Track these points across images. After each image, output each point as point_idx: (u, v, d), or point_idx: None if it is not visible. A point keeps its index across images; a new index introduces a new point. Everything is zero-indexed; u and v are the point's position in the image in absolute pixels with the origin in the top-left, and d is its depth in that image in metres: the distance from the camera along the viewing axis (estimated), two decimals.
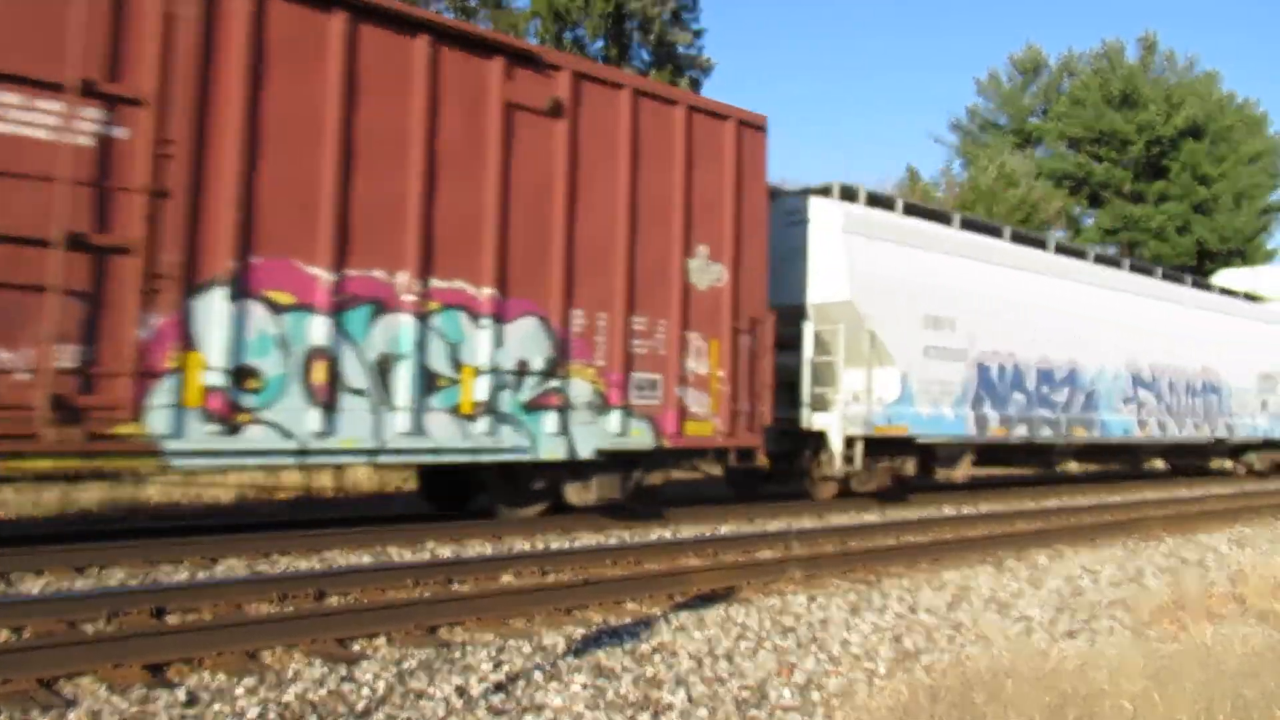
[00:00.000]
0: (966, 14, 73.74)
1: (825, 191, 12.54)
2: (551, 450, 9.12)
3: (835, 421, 11.85)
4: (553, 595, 6.44)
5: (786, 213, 12.37)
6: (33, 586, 6.69)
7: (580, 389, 9.32)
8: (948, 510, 12.92)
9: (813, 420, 11.91)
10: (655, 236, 9.93)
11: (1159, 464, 21.42)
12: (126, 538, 8.22)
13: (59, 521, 9.95)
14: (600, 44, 22.58)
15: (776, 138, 63.51)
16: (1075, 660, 5.31)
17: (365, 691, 4.59)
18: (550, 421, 9.10)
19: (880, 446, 12.52)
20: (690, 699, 4.75)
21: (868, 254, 12.34)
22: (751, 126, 10.92)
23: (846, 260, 12.05)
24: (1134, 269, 17.97)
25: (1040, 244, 15.90)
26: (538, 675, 4.93)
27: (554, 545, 8.91)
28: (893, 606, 6.88)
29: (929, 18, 75.42)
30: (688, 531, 10.15)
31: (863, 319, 12.12)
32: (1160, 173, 38.61)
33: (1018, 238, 15.40)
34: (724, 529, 10.38)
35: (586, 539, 9.41)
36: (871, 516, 11.98)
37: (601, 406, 9.45)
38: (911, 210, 13.69)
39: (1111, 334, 16.52)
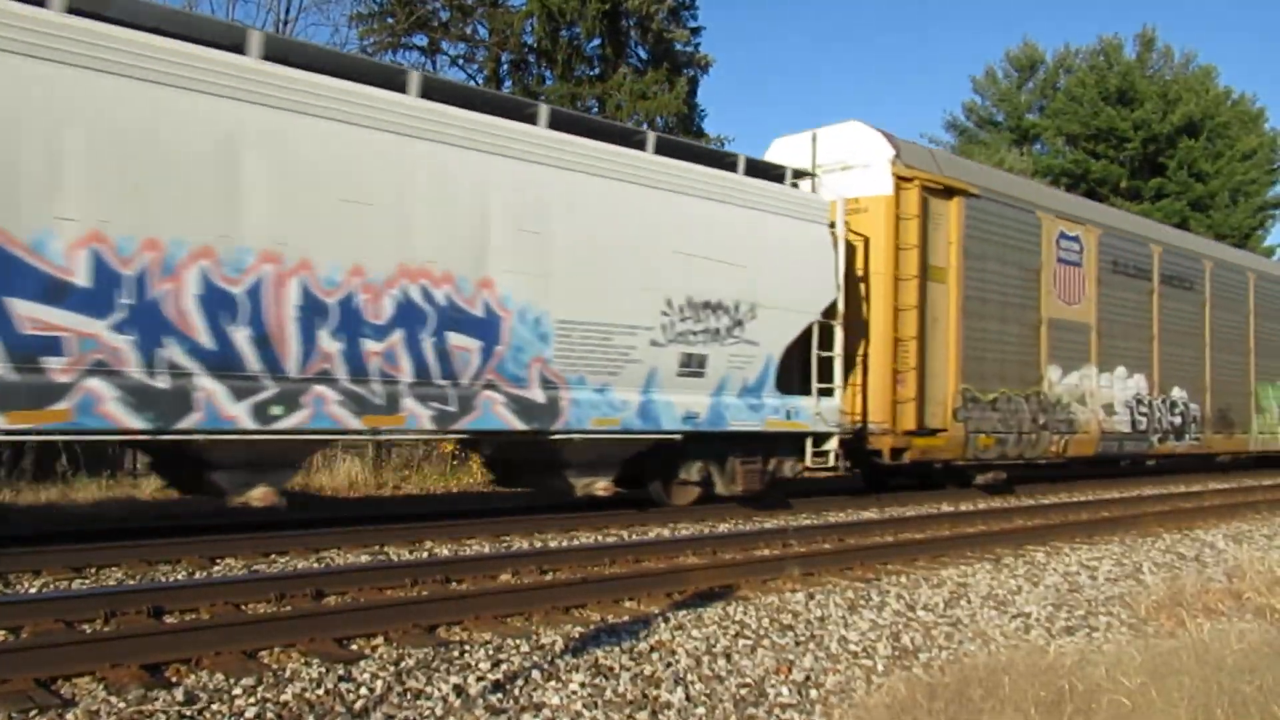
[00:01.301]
0: (963, 11, 73.80)
1: None
2: None
3: None
4: (551, 594, 6.45)
5: None
6: (31, 586, 6.68)
7: None
8: (945, 507, 12.93)
9: None
10: None
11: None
12: (124, 537, 8.21)
13: (57, 521, 9.94)
14: (596, 42, 22.51)
15: (774, 134, 63.75)
16: (1073, 656, 5.31)
17: (363, 691, 4.59)
18: None
19: None
20: (689, 697, 4.76)
21: None
22: None
23: None
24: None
25: None
26: (536, 674, 4.93)
27: (553, 544, 8.91)
28: (891, 604, 6.88)
29: (925, 15, 75.49)
30: (686, 530, 10.16)
31: None
32: (1157, 169, 38.60)
33: None
34: (722, 527, 10.39)
35: (585, 537, 9.41)
36: (870, 513, 11.98)
37: None
38: None
39: None
